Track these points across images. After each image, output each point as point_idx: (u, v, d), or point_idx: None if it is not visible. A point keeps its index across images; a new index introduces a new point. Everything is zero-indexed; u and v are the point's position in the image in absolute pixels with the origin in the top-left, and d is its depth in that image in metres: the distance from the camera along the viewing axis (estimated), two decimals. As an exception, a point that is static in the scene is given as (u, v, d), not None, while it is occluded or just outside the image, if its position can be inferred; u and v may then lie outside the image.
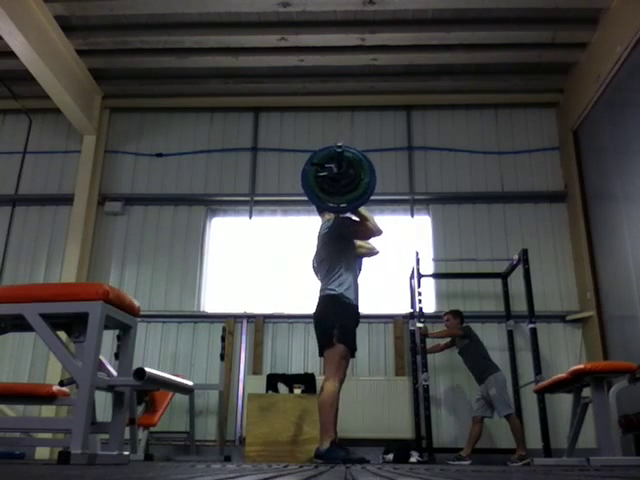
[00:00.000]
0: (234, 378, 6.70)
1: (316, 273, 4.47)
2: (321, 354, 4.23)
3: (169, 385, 3.15)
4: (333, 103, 7.70)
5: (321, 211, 4.52)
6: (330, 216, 4.46)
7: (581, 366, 4.13)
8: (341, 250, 4.29)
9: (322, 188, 4.04)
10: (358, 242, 4.49)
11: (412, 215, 7.38)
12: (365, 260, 4.69)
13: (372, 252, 4.62)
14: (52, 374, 6.33)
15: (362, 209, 4.25)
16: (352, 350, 4.17)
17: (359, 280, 4.43)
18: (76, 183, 7.28)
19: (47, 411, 6.13)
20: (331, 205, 4.11)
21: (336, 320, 4.08)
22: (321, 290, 4.27)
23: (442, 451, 6.04)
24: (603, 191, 6.47)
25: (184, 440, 6.38)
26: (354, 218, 4.35)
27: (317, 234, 4.51)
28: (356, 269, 4.42)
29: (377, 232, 4.34)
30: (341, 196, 4.03)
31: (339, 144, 3.99)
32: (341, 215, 4.35)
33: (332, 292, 4.17)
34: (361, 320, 7.00)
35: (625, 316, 5.95)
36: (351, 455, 3.90)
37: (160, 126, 7.82)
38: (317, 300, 4.27)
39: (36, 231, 7.40)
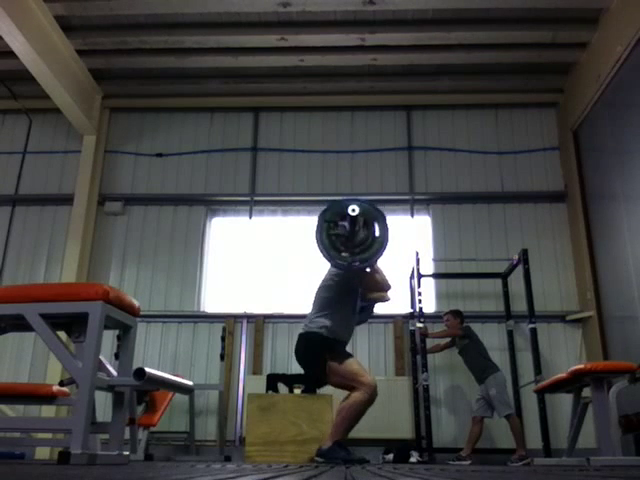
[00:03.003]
0: (234, 378, 6.70)
1: (315, 297, 4.41)
2: (320, 386, 4.20)
3: (169, 385, 3.15)
4: (333, 103, 7.70)
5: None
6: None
7: (581, 366, 4.12)
8: (343, 292, 4.23)
9: (334, 246, 3.96)
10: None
11: (412, 215, 7.38)
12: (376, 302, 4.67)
13: (383, 299, 4.55)
14: (52, 374, 6.33)
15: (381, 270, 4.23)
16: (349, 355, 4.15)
17: (353, 322, 4.37)
18: (76, 183, 7.28)
19: (47, 411, 6.13)
20: (341, 263, 4.01)
21: (326, 355, 4.04)
22: (307, 321, 4.22)
23: (442, 451, 6.04)
24: (603, 191, 6.47)
25: (184, 440, 6.38)
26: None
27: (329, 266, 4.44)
28: (352, 312, 4.35)
29: (385, 287, 4.30)
30: (354, 255, 3.96)
31: (353, 209, 3.87)
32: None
33: (315, 331, 4.11)
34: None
35: (625, 316, 5.95)
36: (352, 456, 3.90)
37: (160, 126, 7.82)
38: (300, 335, 4.21)
39: (36, 231, 7.40)
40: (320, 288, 4.36)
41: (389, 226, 4.01)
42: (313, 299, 4.37)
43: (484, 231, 7.19)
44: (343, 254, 3.98)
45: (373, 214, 4.02)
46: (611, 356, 6.13)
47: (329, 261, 4.07)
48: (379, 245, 3.96)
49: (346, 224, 3.87)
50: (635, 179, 5.70)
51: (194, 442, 6.14)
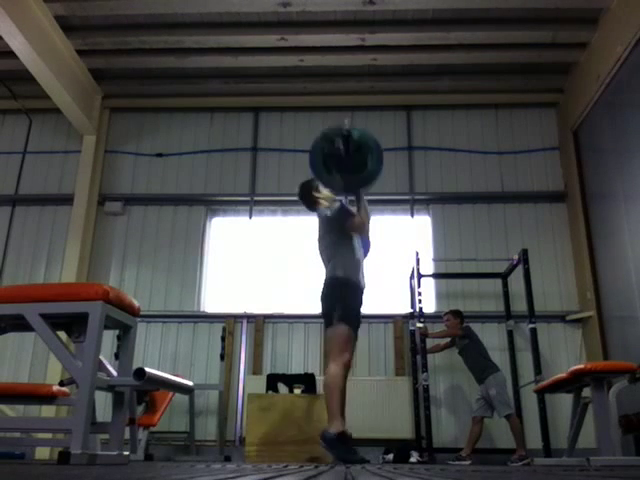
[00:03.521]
0: (234, 378, 6.70)
1: (321, 257, 4.44)
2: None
3: (169, 385, 3.15)
4: (333, 103, 7.70)
5: (310, 201, 4.43)
6: (326, 203, 4.42)
7: (581, 366, 4.12)
8: (344, 236, 4.27)
9: (325, 163, 3.98)
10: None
11: (412, 215, 7.38)
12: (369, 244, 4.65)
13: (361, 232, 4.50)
14: (52, 374, 6.33)
15: (365, 203, 4.22)
16: (355, 328, 4.14)
17: (364, 261, 4.39)
18: (76, 183, 7.29)
19: (47, 411, 6.13)
20: (329, 182, 4.04)
21: (338, 299, 4.07)
22: (326, 274, 4.27)
23: (442, 451, 6.04)
24: (603, 191, 6.47)
25: (184, 440, 6.38)
26: (352, 211, 4.34)
27: (318, 219, 4.47)
28: (359, 251, 4.38)
29: (361, 231, 4.30)
30: (341, 175, 3.98)
31: (348, 129, 3.92)
32: (341, 205, 4.34)
33: (336, 276, 4.17)
34: (361, 320, 7.01)
35: (625, 316, 5.95)
36: (353, 456, 3.89)
37: (160, 126, 7.82)
38: (324, 281, 4.27)
39: (36, 231, 7.40)
40: (320, 247, 4.39)
41: (382, 161, 4.02)
42: (323, 256, 4.39)
43: (484, 231, 7.19)
44: (333, 174, 4.01)
45: (369, 144, 4.02)
46: (611, 356, 6.13)
47: (319, 179, 4.11)
48: (368, 175, 3.97)
49: (341, 145, 3.86)
50: (635, 179, 5.70)
51: (194, 442, 6.14)
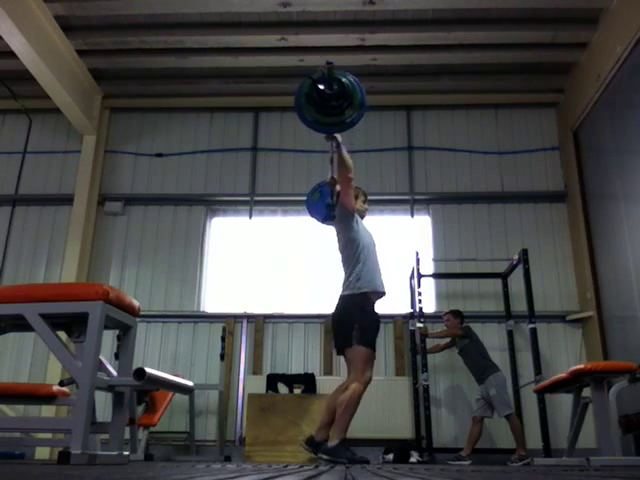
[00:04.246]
0: (234, 378, 6.70)
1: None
2: (339, 352, 4.23)
3: (169, 385, 3.15)
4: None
5: None
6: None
7: (581, 366, 4.12)
8: (353, 238, 4.25)
9: (309, 101, 3.89)
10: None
11: (412, 215, 7.38)
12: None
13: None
14: (52, 374, 6.33)
15: (346, 154, 4.14)
16: (374, 351, 4.16)
17: (377, 258, 4.36)
18: (76, 183, 7.28)
19: (47, 411, 6.13)
20: (309, 120, 3.95)
21: (355, 321, 4.07)
22: (343, 286, 4.25)
23: (442, 451, 6.04)
24: (603, 191, 6.47)
25: (184, 440, 6.38)
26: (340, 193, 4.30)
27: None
28: (372, 250, 4.35)
29: (348, 170, 4.21)
30: (322, 115, 3.92)
31: (330, 60, 3.86)
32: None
33: (352, 292, 4.15)
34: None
35: (625, 316, 5.95)
36: (356, 456, 3.90)
37: (160, 126, 7.82)
38: (338, 298, 4.25)
39: (36, 231, 7.40)
40: (340, 253, 4.36)
41: (366, 105, 3.95)
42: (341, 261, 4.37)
43: (484, 231, 7.19)
44: (311, 109, 3.93)
45: (352, 89, 3.91)
46: (611, 356, 6.13)
47: (301, 118, 4.03)
48: (348, 118, 3.90)
49: (325, 86, 3.82)
50: (635, 179, 5.70)
51: (194, 442, 6.14)
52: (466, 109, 7.70)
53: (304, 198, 4.78)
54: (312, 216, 4.69)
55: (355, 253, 4.21)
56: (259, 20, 6.54)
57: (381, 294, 4.26)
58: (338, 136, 4.07)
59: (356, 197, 4.45)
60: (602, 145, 6.45)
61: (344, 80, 3.86)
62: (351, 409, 3.97)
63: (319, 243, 6.97)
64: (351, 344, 4.04)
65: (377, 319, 4.24)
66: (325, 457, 3.87)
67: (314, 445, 4.07)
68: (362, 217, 4.48)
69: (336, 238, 4.41)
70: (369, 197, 7.29)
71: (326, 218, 4.47)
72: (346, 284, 4.21)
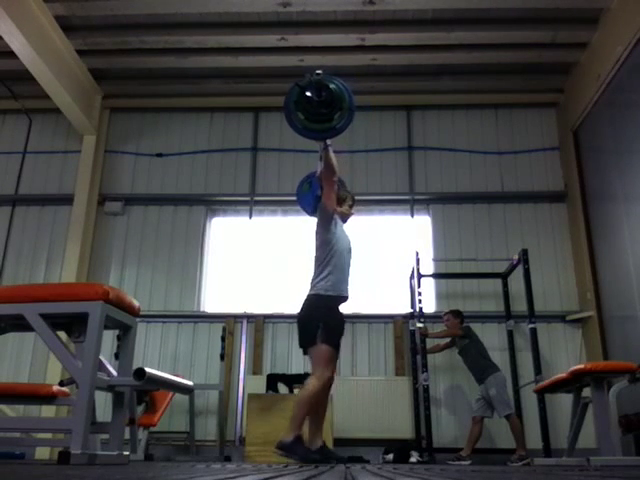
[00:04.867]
0: (234, 378, 6.70)
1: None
2: (305, 352, 4.23)
3: (169, 385, 3.15)
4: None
5: None
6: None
7: (581, 366, 4.13)
8: (329, 240, 4.23)
9: (297, 108, 3.91)
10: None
11: (412, 215, 7.38)
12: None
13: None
14: (52, 374, 6.33)
15: (333, 157, 4.10)
16: (337, 351, 4.14)
17: (348, 265, 4.32)
18: (76, 183, 7.29)
19: (47, 411, 6.13)
20: (297, 124, 3.96)
21: (320, 320, 4.06)
22: (310, 285, 4.24)
23: (442, 451, 6.03)
24: (603, 191, 6.47)
25: (184, 440, 6.38)
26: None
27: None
28: (345, 256, 4.34)
29: (334, 168, 4.16)
30: (310, 121, 3.93)
31: (318, 71, 3.85)
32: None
33: (318, 292, 4.14)
34: (361, 320, 6.99)
35: (625, 316, 5.95)
36: (311, 455, 3.88)
37: (160, 126, 7.82)
38: (305, 298, 4.25)
39: (36, 231, 7.40)
40: (315, 251, 4.35)
41: (354, 110, 3.96)
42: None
43: (484, 231, 7.19)
44: (300, 116, 3.95)
45: (342, 102, 3.92)
46: (611, 356, 6.13)
47: (290, 125, 4.03)
48: (337, 124, 3.90)
49: (312, 93, 3.83)
50: (635, 179, 5.70)
51: (194, 442, 6.14)
52: (466, 109, 7.70)
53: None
54: (302, 207, 4.68)
55: (327, 255, 4.19)
56: (259, 20, 6.54)
57: (344, 299, 4.25)
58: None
59: (344, 200, 4.43)
60: (602, 145, 6.45)
61: (332, 87, 3.86)
62: (307, 405, 3.94)
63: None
64: (315, 342, 4.04)
65: (342, 320, 4.24)
66: (279, 452, 3.86)
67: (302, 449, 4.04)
68: (345, 221, 4.46)
69: (314, 236, 4.38)
70: (369, 197, 7.39)
71: (315, 210, 4.47)
72: (313, 284, 4.20)
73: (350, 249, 4.38)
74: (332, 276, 4.15)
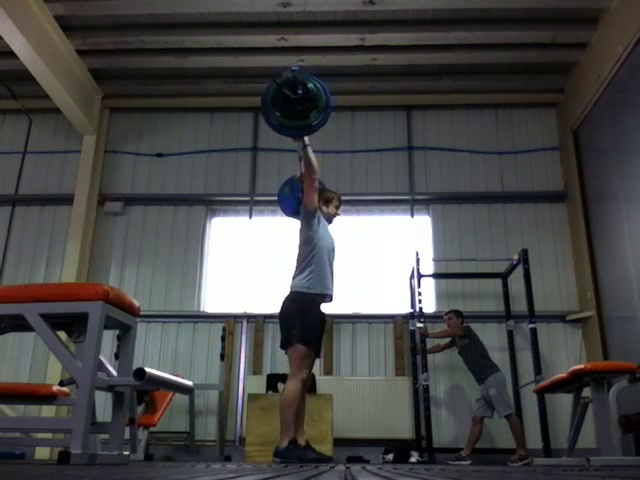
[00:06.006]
0: (234, 378, 6.70)
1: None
2: (286, 353, 4.21)
3: (169, 385, 3.15)
4: (333, 103, 7.66)
5: None
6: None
7: (581, 366, 4.13)
8: (311, 238, 4.20)
9: (274, 104, 3.91)
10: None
11: (412, 215, 7.38)
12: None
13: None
14: (52, 374, 6.33)
15: (312, 155, 4.10)
16: (314, 350, 4.12)
17: (332, 264, 4.29)
18: (76, 183, 7.29)
19: (47, 411, 6.13)
20: (273, 121, 3.97)
21: (297, 320, 4.05)
22: (291, 282, 4.21)
23: (442, 451, 6.03)
24: (603, 191, 6.47)
25: (184, 440, 6.38)
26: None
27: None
28: (328, 254, 4.32)
29: (314, 169, 4.15)
30: (286, 118, 3.93)
31: (294, 67, 3.88)
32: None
33: (298, 290, 4.11)
34: (361, 320, 6.98)
35: (625, 316, 5.95)
36: (309, 455, 3.88)
37: (160, 126, 7.82)
38: (285, 296, 4.23)
39: (36, 231, 7.40)
40: (298, 249, 4.34)
41: (330, 109, 3.97)
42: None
43: (484, 231, 7.19)
44: (277, 113, 3.96)
45: (319, 100, 3.92)
46: (611, 356, 6.13)
47: (267, 122, 4.04)
48: (313, 121, 3.91)
49: (288, 90, 3.83)
50: (635, 179, 5.70)
51: (194, 442, 6.15)
52: (466, 109, 7.70)
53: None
54: (282, 209, 4.68)
55: (310, 253, 4.17)
56: (259, 20, 6.54)
57: (328, 297, 4.23)
58: (305, 137, 4.07)
59: (330, 201, 4.42)
60: (602, 145, 6.45)
61: (309, 85, 3.87)
62: (291, 408, 3.93)
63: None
64: (292, 342, 4.03)
65: (321, 320, 4.21)
66: (277, 460, 3.87)
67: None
68: (330, 221, 4.45)
69: (298, 234, 4.37)
70: (369, 197, 7.40)
71: (296, 212, 4.47)
72: (294, 282, 4.19)
73: (333, 248, 4.36)
74: (314, 274, 4.12)
